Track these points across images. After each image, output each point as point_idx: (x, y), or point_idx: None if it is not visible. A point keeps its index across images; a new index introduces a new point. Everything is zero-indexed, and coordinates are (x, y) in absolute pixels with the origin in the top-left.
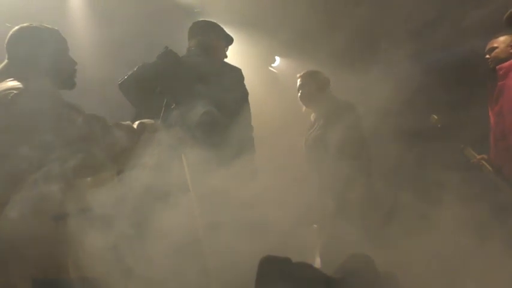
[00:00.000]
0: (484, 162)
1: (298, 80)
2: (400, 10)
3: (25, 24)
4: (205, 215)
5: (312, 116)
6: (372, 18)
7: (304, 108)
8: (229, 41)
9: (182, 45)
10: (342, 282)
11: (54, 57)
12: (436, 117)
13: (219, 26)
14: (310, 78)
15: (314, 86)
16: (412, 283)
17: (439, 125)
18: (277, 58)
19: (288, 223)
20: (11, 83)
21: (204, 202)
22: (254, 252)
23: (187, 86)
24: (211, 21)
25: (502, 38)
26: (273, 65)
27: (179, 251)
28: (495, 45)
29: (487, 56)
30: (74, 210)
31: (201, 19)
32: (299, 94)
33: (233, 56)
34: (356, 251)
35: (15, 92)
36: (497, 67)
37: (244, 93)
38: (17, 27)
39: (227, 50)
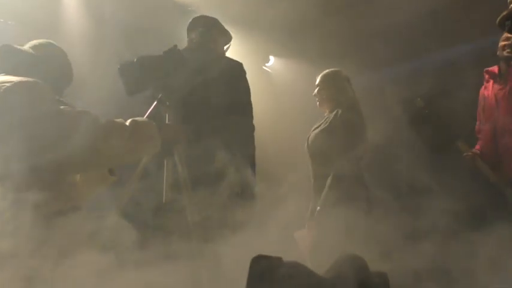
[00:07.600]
0: (478, 157)
1: (317, 79)
2: (392, 10)
3: (45, 40)
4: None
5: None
6: (365, 19)
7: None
8: (229, 38)
9: (176, 42)
10: (334, 282)
11: (55, 73)
12: (421, 101)
13: (220, 22)
14: (328, 81)
15: (332, 89)
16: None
17: (426, 111)
18: (272, 57)
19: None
20: (3, 77)
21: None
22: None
23: (187, 84)
24: (212, 17)
25: None
26: (267, 64)
27: None
28: None
29: (506, 43)
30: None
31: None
32: (315, 95)
33: (227, 55)
34: (347, 250)
35: (7, 84)
36: None
37: (246, 88)
38: (40, 41)
39: (227, 48)
